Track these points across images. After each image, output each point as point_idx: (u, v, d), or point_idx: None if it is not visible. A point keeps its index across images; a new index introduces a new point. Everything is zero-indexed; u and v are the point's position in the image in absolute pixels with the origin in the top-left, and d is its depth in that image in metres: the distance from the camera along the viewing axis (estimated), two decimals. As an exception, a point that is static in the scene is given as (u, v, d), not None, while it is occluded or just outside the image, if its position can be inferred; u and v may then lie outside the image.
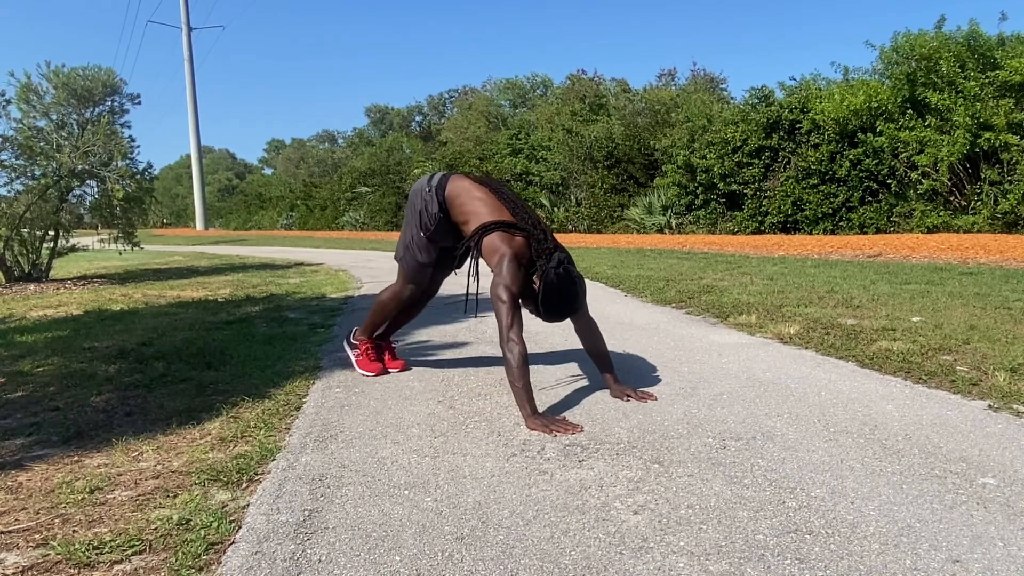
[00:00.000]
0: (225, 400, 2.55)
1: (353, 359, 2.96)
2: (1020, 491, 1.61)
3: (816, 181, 11.69)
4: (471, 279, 2.64)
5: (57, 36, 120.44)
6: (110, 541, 1.48)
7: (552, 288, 2.29)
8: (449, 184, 2.58)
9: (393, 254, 2.84)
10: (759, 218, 12.64)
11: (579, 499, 1.63)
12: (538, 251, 2.36)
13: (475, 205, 2.49)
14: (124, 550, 1.44)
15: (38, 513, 1.64)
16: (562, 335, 3.52)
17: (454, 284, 2.94)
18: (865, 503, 1.57)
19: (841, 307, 4.14)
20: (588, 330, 2.53)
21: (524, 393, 2.19)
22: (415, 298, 2.84)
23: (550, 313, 2.37)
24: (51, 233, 8.25)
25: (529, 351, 2.27)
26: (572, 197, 17.79)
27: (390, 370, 2.93)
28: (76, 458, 2.01)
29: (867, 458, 1.84)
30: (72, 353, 3.50)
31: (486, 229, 2.41)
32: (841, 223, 11.52)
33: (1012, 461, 1.79)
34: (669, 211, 14.51)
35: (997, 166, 9.56)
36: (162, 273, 9.25)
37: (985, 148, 9.44)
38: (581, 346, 2.59)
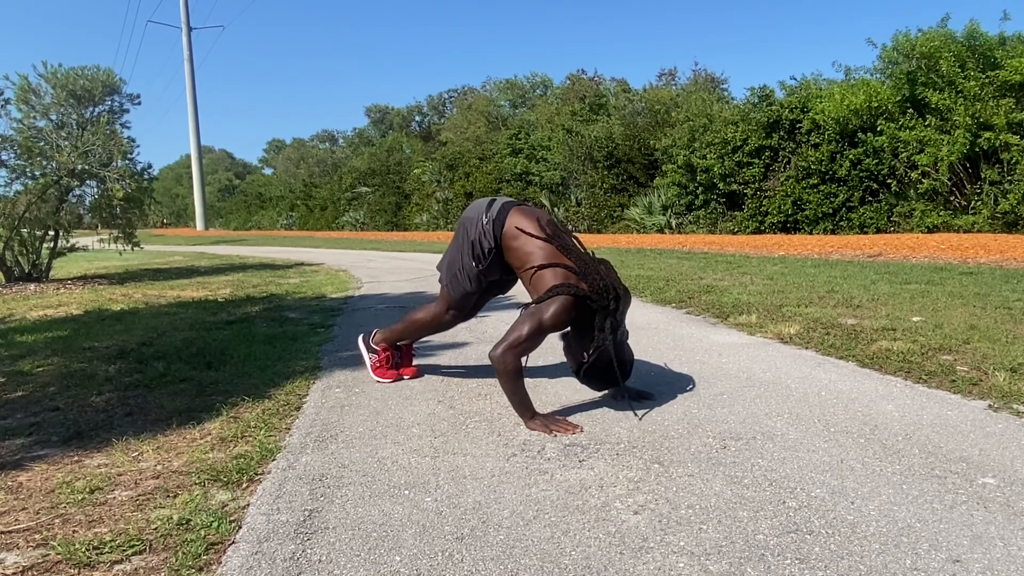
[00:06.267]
0: (225, 400, 2.55)
1: (368, 363, 2.85)
2: (1020, 491, 1.61)
3: (816, 181, 11.70)
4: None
5: (57, 36, 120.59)
6: (110, 541, 1.48)
7: (603, 364, 2.20)
8: (508, 219, 2.38)
9: (438, 277, 2.63)
10: (759, 218, 12.65)
11: (579, 499, 1.63)
12: (601, 323, 2.17)
13: (533, 250, 2.30)
14: (124, 550, 1.44)
15: (38, 513, 1.64)
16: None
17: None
18: (865, 503, 1.57)
19: (841, 307, 4.14)
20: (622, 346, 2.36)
21: (520, 402, 2.18)
22: (455, 323, 2.69)
23: (589, 381, 2.30)
24: (51, 233, 8.24)
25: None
26: (572, 197, 17.79)
27: (403, 376, 2.85)
28: (76, 458, 2.01)
29: (867, 458, 1.84)
30: (72, 353, 3.50)
31: (559, 288, 2.17)
32: (841, 223, 11.52)
33: (1012, 461, 1.79)
34: (669, 211, 14.51)
35: (997, 166, 9.56)
36: (162, 273, 9.24)
37: (985, 148, 9.44)
38: None
